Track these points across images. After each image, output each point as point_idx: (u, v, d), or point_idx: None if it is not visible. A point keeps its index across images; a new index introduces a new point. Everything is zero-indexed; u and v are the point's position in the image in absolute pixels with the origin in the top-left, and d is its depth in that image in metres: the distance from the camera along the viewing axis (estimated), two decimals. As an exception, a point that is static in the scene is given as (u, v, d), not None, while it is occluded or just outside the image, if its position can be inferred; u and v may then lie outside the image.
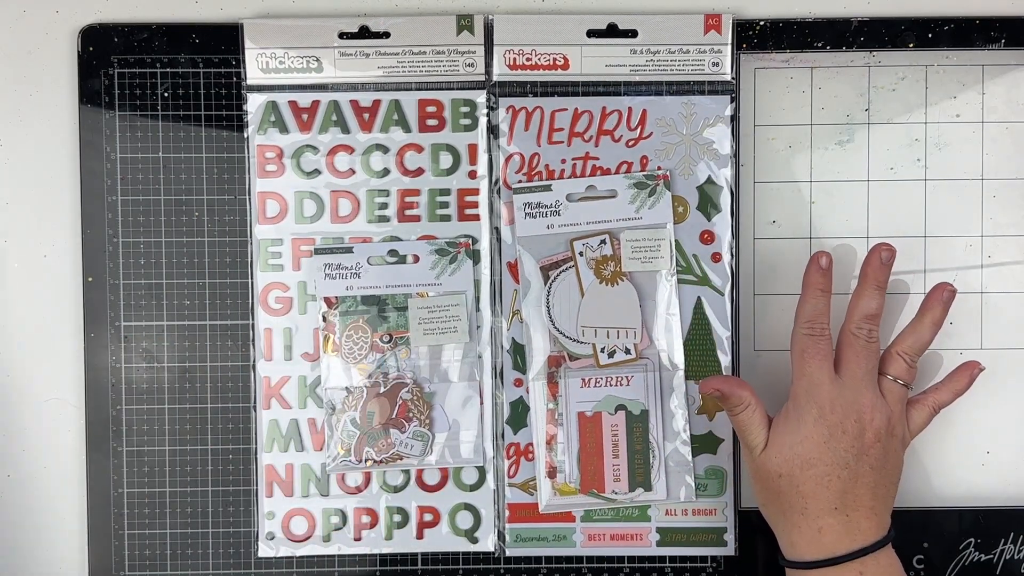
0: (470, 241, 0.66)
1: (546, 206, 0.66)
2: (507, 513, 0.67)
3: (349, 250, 0.66)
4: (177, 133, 0.67)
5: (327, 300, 0.66)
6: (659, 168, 0.66)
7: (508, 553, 0.67)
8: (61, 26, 0.67)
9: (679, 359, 0.66)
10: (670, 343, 0.66)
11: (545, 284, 0.66)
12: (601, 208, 0.66)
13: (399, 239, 0.66)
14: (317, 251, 0.66)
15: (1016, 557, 0.67)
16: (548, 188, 0.66)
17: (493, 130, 0.66)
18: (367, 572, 0.67)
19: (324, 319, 0.66)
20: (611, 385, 0.66)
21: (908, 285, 0.67)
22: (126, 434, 0.67)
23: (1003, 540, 0.67)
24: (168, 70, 0.66)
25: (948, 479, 0.68)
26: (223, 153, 0.66)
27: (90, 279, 0.67)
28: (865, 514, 0.59)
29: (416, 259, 0.66)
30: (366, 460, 0.66)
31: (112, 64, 0.66)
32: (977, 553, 0.67)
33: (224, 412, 0.67)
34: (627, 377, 0.66)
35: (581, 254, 0.65)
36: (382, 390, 0.65)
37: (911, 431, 0.62)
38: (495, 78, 0.66)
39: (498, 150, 0.66)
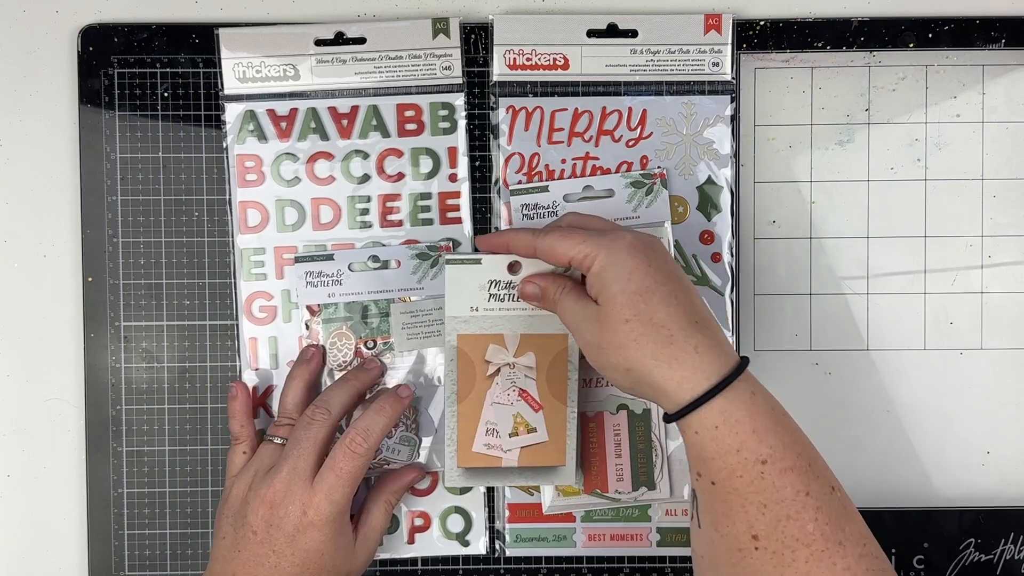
0: (451, 244, 0.66)
1: (543, 207, 0.66)
2: (507, 513, 0.67)
3: (330, 257, 0.66)
4: (177, 133, 0.67)
5: (309, 308, 0.65)
6: (656, 167, 0.66)
7: (508, 553, 0.67)
8: (61, 26, 0.67)
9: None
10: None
11: None
12: (599, 208, 0.66)
13: (382, 245, 0.66)
14: (298, 259, 0.65)
15: (1016, 557, 0.67)
16: (545, 189, 0.66)
17: (493, 130, 0.66)
18: (367, 572, 0.67)
19: (307, 327, 0.65)
20: (613, 384, 0.65)
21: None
22: (126, 434, 0.67)
23: (1003, 540, 0.67)
24: (168, 70, 0.66)
25: (948, 479, 0.68)
26: (223, 153, 0.66)
27: (90, 279, 0.67)
28: (716, 327, 0.54)
29: (398, 264, 0.66)
30: None
31: (112, 64, 0.66)
32: (977, 553, 0.67)
33: (224, 412, 0.67)
34: (628, 377, 0.65)
35: (582, 254, 0.65)
36: (367, 396, 0.65)
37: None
38: (495, 78, 0.66)
39: (498, 150, 0.66)
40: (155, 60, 0.66)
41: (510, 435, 0.63)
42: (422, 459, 0.66)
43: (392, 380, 0.65)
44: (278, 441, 0.62)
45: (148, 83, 0.66)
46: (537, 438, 0.63)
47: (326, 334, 0.65)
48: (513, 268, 0.61)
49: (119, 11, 0.67)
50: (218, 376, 0.67)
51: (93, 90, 0.66)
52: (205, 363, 0.67)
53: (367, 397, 0.65)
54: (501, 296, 0.61)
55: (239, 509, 0.60)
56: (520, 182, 0.66)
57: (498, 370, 0.62)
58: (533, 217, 0.65)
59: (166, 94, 0.66)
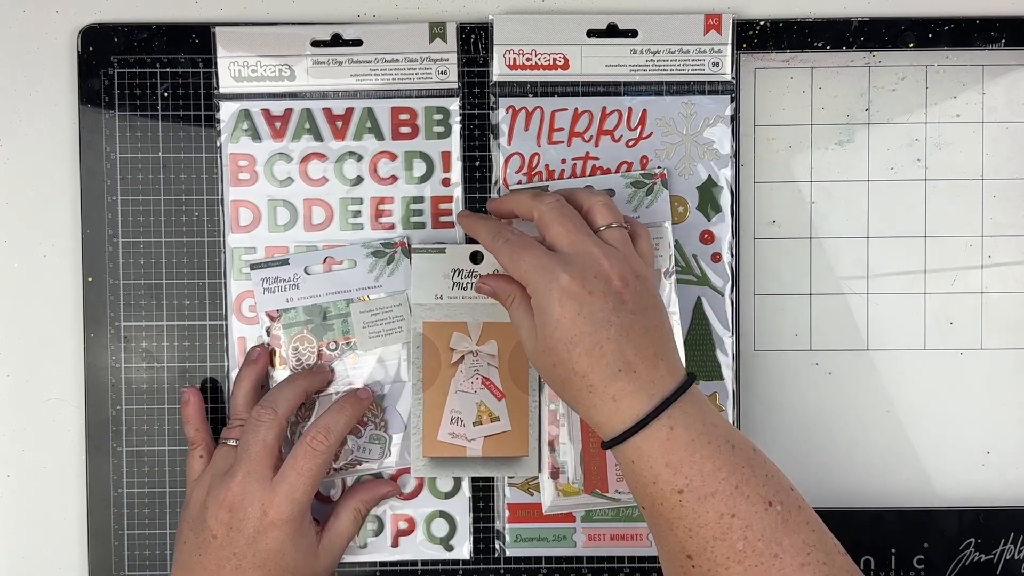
0: (406, 240, 0.66)
1: None
2: (507, 513, 0.67)
3: (285, 262, 0.65)
4: (177, 133, 0.67)
5: (269, 314, 0.65)
6: (657, 167, 0.66)
7: (508, 553, 0.67)
8: (61, 26, 0.67)
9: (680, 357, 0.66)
10: (670, 342, 0.66)
11: None
12: None
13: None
14: (253, 266, 0.65)
15: (1016, 557, 0.67)
16: (545, 188, 0.66)
17: (493, 130, 0.66)
18: (367, 572, 0.67)
19: (268, 333, 0.65)
20: None
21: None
22: (126, 434, 0.67)
23: (1003, 540, 0.67)
24: (168, 70, 0.66)
25: (948, 479, 0.68)
26: (216, 152, 0.66)
27: (90, 279, 0.67)
28: (652, 362, 0.55)
29: (353, 263, 0.66)
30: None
31: (112, 64, 0.66)
32: (977, 553, 0.67)
33: (224, 413, 0.67)
34: (627, 377, 0.66)
35: (581, 254, 0.65)
36: (334, 397, 0.65)
37: (647, 263, 0.59)
38: (495, 78, 0.66)
39: (498, 150, 0.66)
40: (155, 60, 0.66)
41: (474, 424, 0.64)
42: (393, 456, 0.66)
43: (357, 379, 0.66)
44: (232, 443, 0.62)
45: (148, 83, 0.66)
46: (500, 427, 0.64)
47: (288, 339, 0.65)
48: (476, 258, 0.64)
49: (119, 11, 0.67)
50: (218, 376, 0.67)
51: (93, 90, 0.66)
52: (205, 363, 0.67)
53: (333, 399, 0.65)
54: (464, 284, 0.64)
55: (198, 514, 0.60)
56: (520, 182, 0.66)
57: (462, 358, 0.64)
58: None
59: (166, 94, 0.66)
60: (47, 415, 0.68)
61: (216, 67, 0.66)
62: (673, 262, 0.65)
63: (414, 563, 0.67)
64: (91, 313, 0.67)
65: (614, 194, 0.66)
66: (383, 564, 0.67)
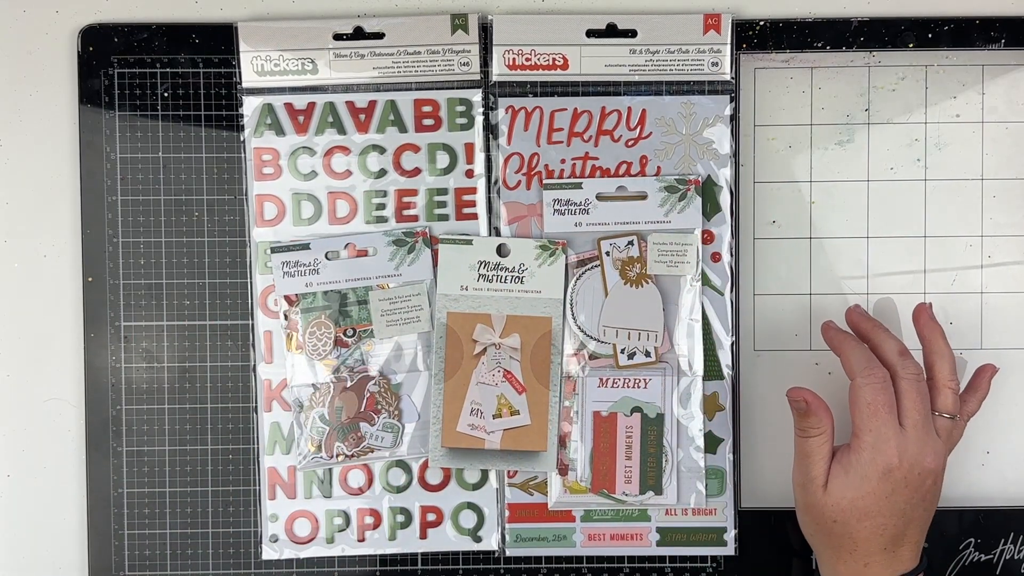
0: (427, 230, 0.66)
1: (576, 203, 0.66)
2: (507, 513, 0.67)
3: (306, 247, 0.66)
4: (177, 133, 0.67)
5: (287, 298, 0.66)
6: (691, 175, 0.66)
7: (508, 553, 0.67)
8: (61, 26, 0.67)
9: (699, 365, 0.66)
10: (691, 348, 0.66)
11: (570, 281, 0.66)
12: (630, 209, 0.66)
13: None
14: (274, 249, 0.66)
15: (1016, 557, 0.67)
16: (579, 186, 0.66)
17: (492, 130, 0.66)
18: (367, 572, 0.67)
19: (286, 317, 0.66)
20: (628, 387, 0.66)
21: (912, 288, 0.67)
22: (126, 434, 0.67)
23: (1003, 540, 0.67)
24: (168, 70, 0.66)
25: (948, 479, 0.68)
26: (223, 153, 0.66)
27: (90, 279, 0.67)
28: (909, 548, 0.60)
29: (374, 251, 0.66)
30: (337, 455, 0.66)
31: (112, 64, 0.66)
32: (977, 553, 0.67)
33: (224, 412, 0.67)
34: (645, 380, 0.66)
35: (608, 254, 0.65)
36: (348, 384, 0.65)
37: (949, 451, 0.62)
38: (494, 78, 0.66)
39: (497, 150, 0.66)
40: (155, 60, 0.66)
41: (494, 416, 0.64)
42: (406, 446, 0.66)
43: (372, 367, 0.66)
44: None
45: (148, 83, 0.66)
46: (520, 421, 0.64)
47: (305, 324, 0.65)
48: (502, 251, 0.64)
49: (119, 11, 0.67)
50: (218, 376, 0.67)
51: (93, 90, 0.66)
52: (205, 363, 0.67)
53: (348, 386, 0.65)
54: (489, 276, 0.64)
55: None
56: (519, 182, 0.66)
57: (484, 350, 0.64)
58: (564, 212, 0.65)
59: (166, 94, 0.66)
60: (47, 415, 0.68)
61: (239, 62, 0.66)
62: (700, 269, 0.65)
63: (414, 560, 0.67)
64: (91, 313, 0.67)
65: (646, 197, 0.65)
66: (383, 560, 0.67)
